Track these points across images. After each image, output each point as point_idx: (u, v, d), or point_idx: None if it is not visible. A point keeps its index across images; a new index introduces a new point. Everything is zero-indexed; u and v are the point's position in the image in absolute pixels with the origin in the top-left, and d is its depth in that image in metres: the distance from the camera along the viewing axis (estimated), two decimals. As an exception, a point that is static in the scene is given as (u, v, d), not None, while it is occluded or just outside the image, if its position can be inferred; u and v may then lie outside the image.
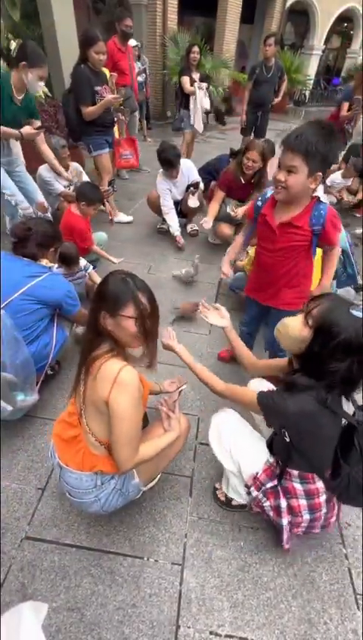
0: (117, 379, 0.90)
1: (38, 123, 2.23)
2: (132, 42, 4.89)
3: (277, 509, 1.11)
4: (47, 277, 1.54)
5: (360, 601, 1.15)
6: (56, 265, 2.10)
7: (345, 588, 1.18)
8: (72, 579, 1.14)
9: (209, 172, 3.23)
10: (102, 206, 2.63)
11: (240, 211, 2.73)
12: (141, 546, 1.23)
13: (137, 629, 1.05)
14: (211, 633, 1.06)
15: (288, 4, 9.91)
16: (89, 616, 1.07)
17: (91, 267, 2.26)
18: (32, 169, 2.75)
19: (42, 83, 2.02)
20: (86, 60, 2.60)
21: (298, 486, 1.07)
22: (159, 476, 1.39)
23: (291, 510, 1.10)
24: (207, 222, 2.76)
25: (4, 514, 1.28)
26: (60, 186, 2.79)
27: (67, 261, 2.06)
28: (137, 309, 0.93)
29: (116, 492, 1.08)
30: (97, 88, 2.67)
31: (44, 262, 1.69)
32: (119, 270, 1.00)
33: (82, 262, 2.21)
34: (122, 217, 3.47)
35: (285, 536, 1.13)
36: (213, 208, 2.83)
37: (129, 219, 3.48)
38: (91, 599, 1.10)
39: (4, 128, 2.05)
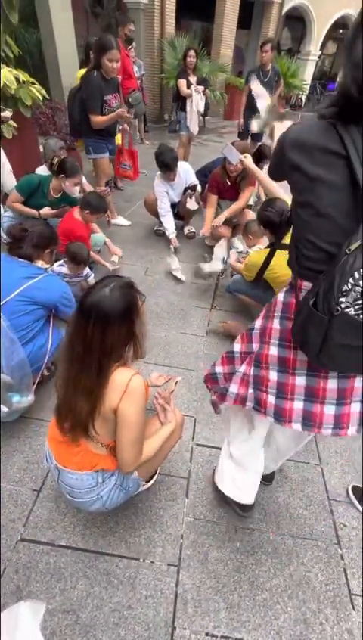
0: (128, 389, 0.91)
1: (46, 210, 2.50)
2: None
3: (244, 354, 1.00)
4: (43, 278, 1.55)
5: (355, 602, 1.15)
6: (58, 263, 2.11)
7: (340, 588, 1.18)
8: (67, 581, 1.13)
9: (205, 174, 3.27)
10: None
11: (217, 221, 2.79)
12: (137, 547, 1.23)
13: (133, 631, 1.05)
14: (207, 634, 1.06)
15: (285, 10, 10.03)
16: (84, 619, 1.06)
17: (92, 275, 2.27)
18: (31, 171, 2.76)
19: (78, 188, 2.48)
20: (99, 67, 2.58)
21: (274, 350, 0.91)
22: (157, 474, 1.38)
23: (258, 361, 0.94)
24: (206, 231, 2.88)
25: (-1, 515, 1.27)
26: None
27: (76, 260, 2.06)
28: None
29: (116, 488, 1.08)
30: (107, 97, 2.68)
31: (40, 263, 1.70)
32: (105, 281, 0.93)
33: (85, 270, 2.22)
34: (120, 220, 3.47)
35: (233, 390, 0.98)
36: (210, 213, 2.94)
37: (127, 222, 3.49)
38: (87, 601, 1.10)
39: (24, 207, 2.43)
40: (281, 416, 0.89)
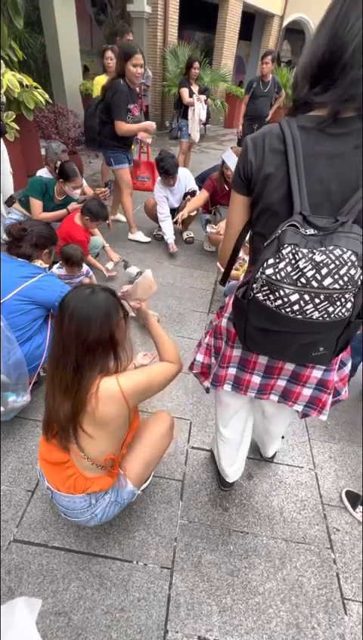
0: (124, 394, 0.88)
1: (74, 205, 2.59)
2: None
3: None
4: (41, 278, 1.55)
5: (347, 606, 1.16)
6: (56, 265, 2.13)
7: (333, 592, 1.19)
8: (59, 583, 1.13)
9: (203, 180, 3.32)
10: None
11: (221, 225, 2.82)
12: (131, 550, 1.22)
13: (125, 634, 1.04)
14: (199, 638, 1.05)
15: (285, 23, 10.26)
16: (76, 621, 1.06)
17: (91, 272, 2.29)
18: (32, 174, 2.79)
19: (78, 190, 2.56)
20: (123, 75, 2.56)
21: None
22: (151, 477, 1.39)
23: (215, 332, 1.05)
24: (183, 215, 2.92)
25: (-8, 516, 1.26)
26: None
27: (70, 262, 2.08)
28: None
29: (111, 504, 1.07)
30: (130, 106, 2.68)
31: (39, 263, 1.71)
32: (89, 286, 0.93)
33: (84, 268, 2.24)
34: (139, 236, 3.33)
35: (199, 359, 1.13)
36: (194, 202, 2.98)
37: (147, 239, 3.33)
38: (79, 603, 1.09)
39: (52, 213, 2.58)
40: (217, 381, 1.03)
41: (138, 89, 2.95)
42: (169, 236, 3.14)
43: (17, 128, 3.44)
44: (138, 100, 3.09)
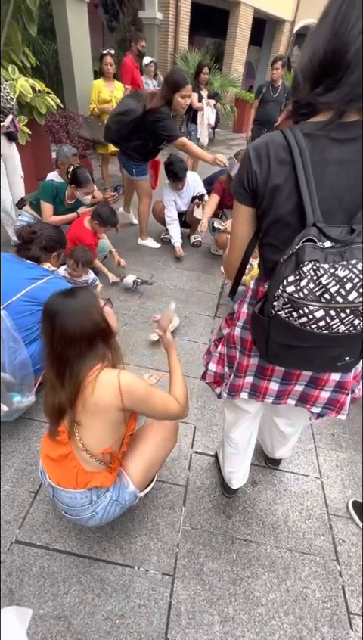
0: (122, 388, 0.91)
1: (84, 209, 2.64)
2: (146, 60, 5.09)
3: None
4: (49, 280, 1.57)
5: (353, 621, 1.12)
6: (63, 267, 2.14)
7: (338, 606, 1.15)
8: (60, 587, 1.12)
9: (210, 182, 3.33)
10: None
11: (229, 223, 2.80)
12: (132, 555, 1.21)
13: (124, 641, 1.03)
14: (200, 648, 1.03)
15: (296, 28, 10.28)
16: (76, 625, 1.05)
17: (98, 281, 2.30)
18: (42, 177, 2.83)
19: (89, 196, 2.60)
20: (169, 103, 2.45)
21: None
22: (154, 481, 1.38)
23: (228, 341, 1.04)
24: (203, 224, 2.86)
25: (-5, 516, 1.27)
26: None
27: (79, 263, 2.09)
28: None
29: (112, 503, 1.06)
30: None
31: (47, 265, 1.72)
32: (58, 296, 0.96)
33: (91, 275, 2.24)
34: (150, 243, 3.34)
35: (211, 368, 1.12)
36: (209, 209, 2.94)
37: (157, 245, 3.34)
38: (79, 607, 1.08)
39: (62, 217, 2.62)
40: (234, 391, 1.01)
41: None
42: (176, 239, 3.14)
43: (29, 132, 3.50)
44: None
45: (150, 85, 5.19)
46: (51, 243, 1.67)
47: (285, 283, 0.64)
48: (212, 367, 1.12)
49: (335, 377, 0.90)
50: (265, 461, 1.55)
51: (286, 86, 4.39)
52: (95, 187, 3.09)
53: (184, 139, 2.62)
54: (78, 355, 0.92)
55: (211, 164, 2.65)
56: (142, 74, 4.99)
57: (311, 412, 1.00)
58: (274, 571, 1.21)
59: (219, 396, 1.15)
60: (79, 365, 0.92)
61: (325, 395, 0.94)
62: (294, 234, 0.66)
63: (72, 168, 2.45)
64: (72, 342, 0.91)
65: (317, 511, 1.41)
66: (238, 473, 1.31)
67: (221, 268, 2.41)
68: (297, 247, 0.63)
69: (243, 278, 2.44)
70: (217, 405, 1.80)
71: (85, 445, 0.96)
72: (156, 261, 3.11)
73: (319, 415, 1.00)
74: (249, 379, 0.99)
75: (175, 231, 3.13)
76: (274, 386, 0.96)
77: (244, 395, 1.01)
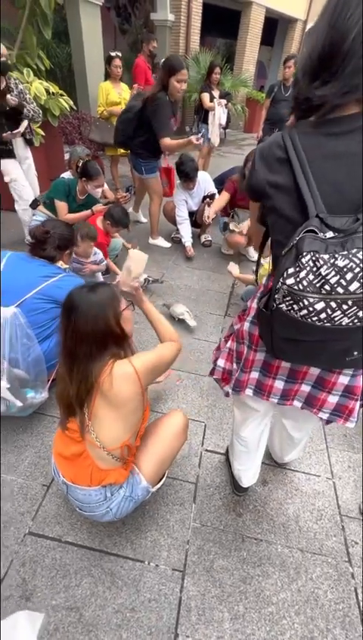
0: (138, 374, 0.93)
1: (99, 207, 2.65)
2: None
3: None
4: (61, 278, 1.59)
5: (366, 624, 1.11)
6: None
7: (350, 608, 1.14)
8: (72, 578, 1.13)
9: (221, 181, 3.33)
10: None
11: (244, 225, 2.80)
12: (143, 550, 1.22)
13: (135, 634, 1.04)
14: (210, 644, 1.03)
15: (308, 27, 10.18)
16: (88, 617, 1.06)
17: (104, 261, 2.34)
18: (54, 178, 2.88)
19: (100, 190, 2.60)
20: (166, 88, 2.46)
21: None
22: (165, 477, 1.38)
23: (237, 336, 1.04)
24: (210, 215, 2.88)
25: (9, 508, 1.29)
26: None
27: (85, 238, 2.12)
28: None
29: (125, 499, 1.07)
30: (171, 121, 2.63)
31: (60, 263, 1.75)
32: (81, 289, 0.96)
33: (98, 255, 2.26)
34: (160, 242, 3.36)
35: (220, 364, 1.12)
36: (217, 203, 2.95)
37: (168, 244, 3.37)
38: (90, 600, 1.09)
39: (77, 215, 2.62)
40: (239, 387, 1.01)
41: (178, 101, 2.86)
42: (187, 239, 3.15)
43: (43, 134, 3.56)
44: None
45: None
46: (64, 242, 1.70)
47: (285, 275, 0.63)
48: (221, 363, 1.12)
49: (343, 380, 0.88)
50: (276, 461, 1.54)
51: (299, 85, 4.35)
52: (106, 186, 3.13)
53: (165, 141, 2.54)
54: (88, 354, 0.93)
55: (189, 145, 2.58)
56: (153, 74, 5.03)
57: (320, 418, 0.98)
58: (285, 570, 1.21)
59: (227, 394, 1.15)
60: (87, 364, 0.93)
61: (333, 400, 0.91)
62: (297, 229, 0.66)
63: (81, 162, 2.44)
64: (83, 341, 0.92)
65: (328, 512, 1.39)
66: (248, 472, 1.31)
67: (228, 267, 2.42)
68: (297, 238, 0.63)
69: (250, 277, 2.43)
70: (227, 404, 1.80)
71: (101, 441, 0.96)
72: (166, 260, 3.13)
73: (328, 421, 0.98)
74: (254, 375, 0.98)
75: (185, 231, 3.14)
76: (279, 384, 0.95)
77: (249, 392, 1.00)
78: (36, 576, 1.13)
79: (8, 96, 2.44)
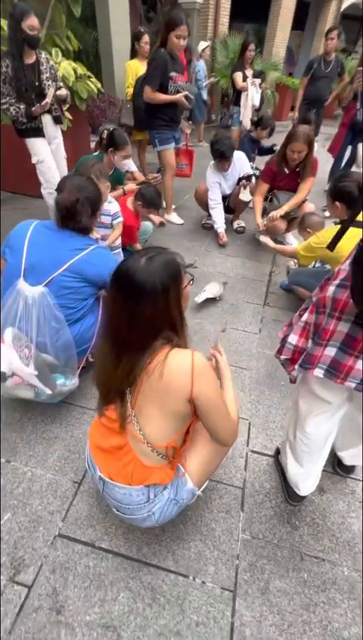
0: (195, 369, 0.76)
1: (131, 186, 2.49)
2: (202, 44, 5.16)
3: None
4: (92, 251, 1.38)
5: None
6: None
7: None
8: (108, 591, 0.99)
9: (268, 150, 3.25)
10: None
11: (275, 213, 2.58)
12: (186, 562, 1.06)
13: (181, 664, 0.88)
14: None
15: (343, 7, 9.65)
16: (126, 639, 0.91)
17: (120, 216, 2.16)
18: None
19: (127, 161, 2.38)
20: (165, 44, 2.45)
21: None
22: (207, 480, 1.22)
23: (318, 305, 0.88)
24: (259, 225, 2.69)
25: (37, 505, 1.17)
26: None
27: (95, 174, 1.90)
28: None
29: (170, 502, 0.92)
30: (173, 74, 2.55)
31: (93, 234, 1.57)
32: (144, 250, 0.80)
33: (114, 205, 2.09)
34: (174, 218, 3.30)
35: (292, 341, 0.94)
36: (259, 202, 2.79)
37: (180, 221, 3.30)
38: (129, 618, 0.95)
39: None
40: (309, 362, 0.85)
41: (183, 59, 2.77)
42: (220, 224, 2.95)
43: (70, 117, 3.45)
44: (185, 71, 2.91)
45: (202, 68, 5.24)
46: (94, 205, 1.46)
47: None
48: (293, 339, 0.93)
49: None
50: (334, 467, 1.34)
51: (341, 61, 4.01)
52: (135, 167, 2.97)
53: (147, 90, 2.52)
54: (141, 339, 0.78)
55: (178, 101, 2.57)
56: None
57: None
58: (356, 599, 1.02)
59: (294, 380, 0.97)
60: (137, 351, 0.78)
61: None
62: None
63: (106, 132, 2.24)
64: (138, 325, 0.76)
65: None
66: (308, 478, 1.12)
67: (261, 239, 2.26)
68: None
69: (289, 248, 2.22)
70: (273, 401, 1.61)
71: (145, 436, 0.82)
72: (197, 246, 2.94)
73: None
74: (330, 351, 0.82)
75: (218, 216, 2.94)
76: (360, 365, 0.77)
77: (319, 372, 0.83)
78: (68, 586, 1.00)
79: (58, 92, 2.47)
